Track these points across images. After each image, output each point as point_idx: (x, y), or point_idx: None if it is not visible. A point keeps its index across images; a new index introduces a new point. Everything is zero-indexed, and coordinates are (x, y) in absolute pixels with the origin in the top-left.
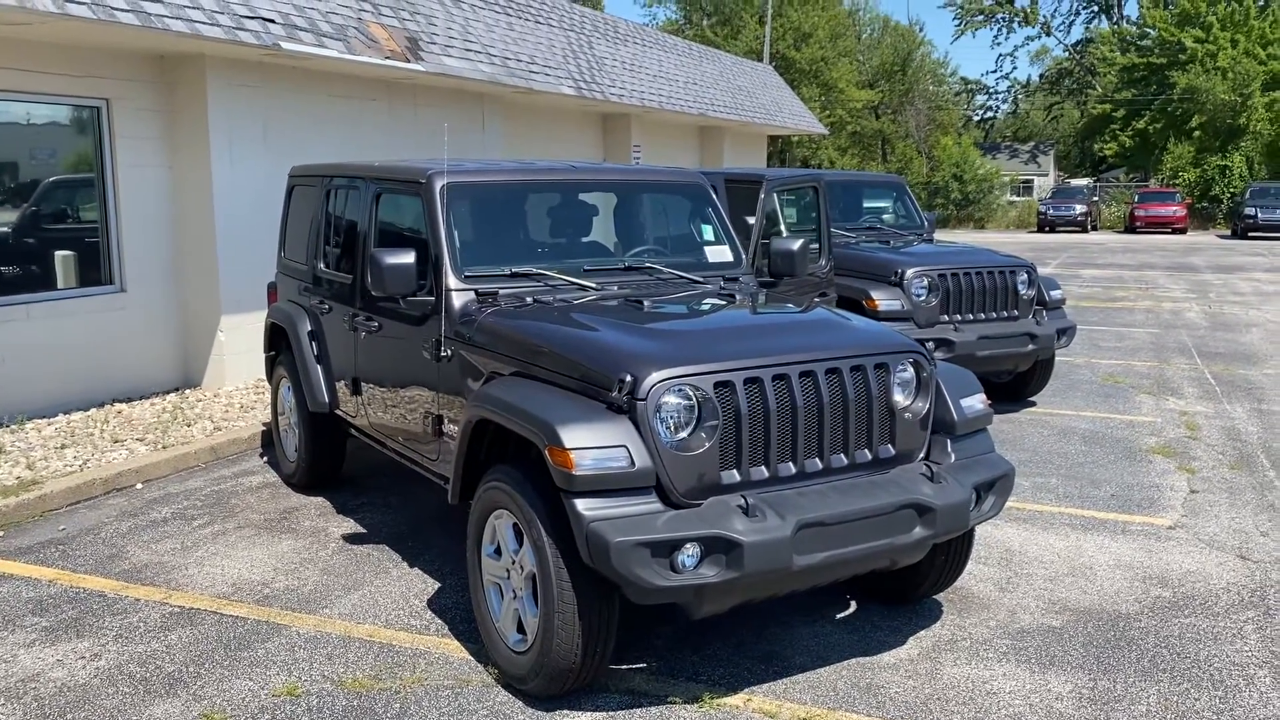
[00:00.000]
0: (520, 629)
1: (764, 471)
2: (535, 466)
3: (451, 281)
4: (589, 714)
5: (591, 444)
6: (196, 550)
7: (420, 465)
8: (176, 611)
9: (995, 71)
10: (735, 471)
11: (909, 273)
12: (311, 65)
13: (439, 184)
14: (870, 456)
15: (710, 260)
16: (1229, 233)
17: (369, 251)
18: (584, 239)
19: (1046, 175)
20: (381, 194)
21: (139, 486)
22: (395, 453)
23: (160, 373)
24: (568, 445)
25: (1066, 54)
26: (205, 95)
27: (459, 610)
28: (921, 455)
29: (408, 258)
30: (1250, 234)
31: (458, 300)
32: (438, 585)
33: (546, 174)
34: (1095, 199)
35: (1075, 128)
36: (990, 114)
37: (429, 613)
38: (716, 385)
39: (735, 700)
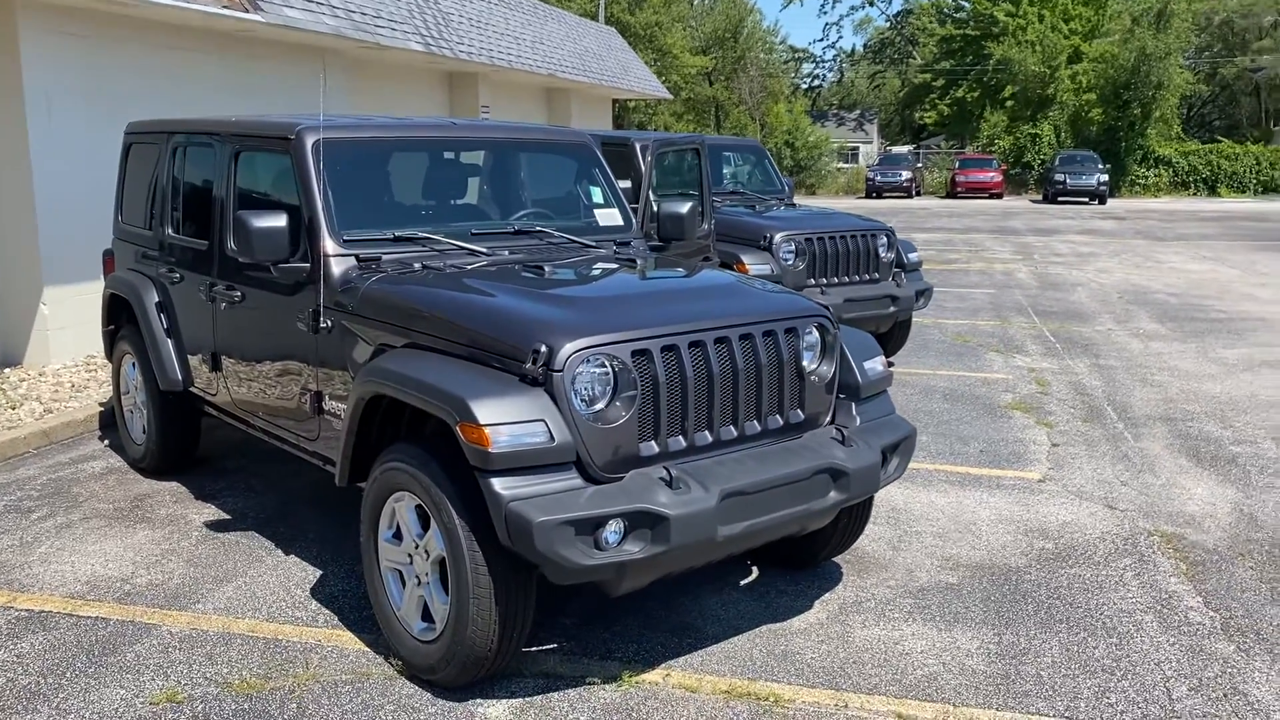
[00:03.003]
0: (426, 616)
1: (681, 441)
2: (439, 444)
3: (329, 246)
4: (505, 701)
5: (507, 419)
6: (39, 546)
7: (294, 446)
8: (24, 616)
9: (822, 40)
10: (653, 442)
11: (777, 237)
12: (142, 13)
13: (311, 140)
14: (782, 422)
15: (601, 224)
16: (1040, 197)
17: (233, 215)
18: (469, 201)
19: (871, 142)
20: (241, 152)
21: None
22: (263, 432)
23: None
24: (482, 421)
25: (889, 24)
26: (17, 42)
27: (347, 598)
28: (828, 419)
29: (279, 221)
30: (1060, 198)
31: (337, 267)
32: (319, 572)
33: (428, 131)
34: (919, 165)
35: (897, 96)
36: (817, 82)
37: (314, 602)
38: (634, 354)
39: (654, 676)
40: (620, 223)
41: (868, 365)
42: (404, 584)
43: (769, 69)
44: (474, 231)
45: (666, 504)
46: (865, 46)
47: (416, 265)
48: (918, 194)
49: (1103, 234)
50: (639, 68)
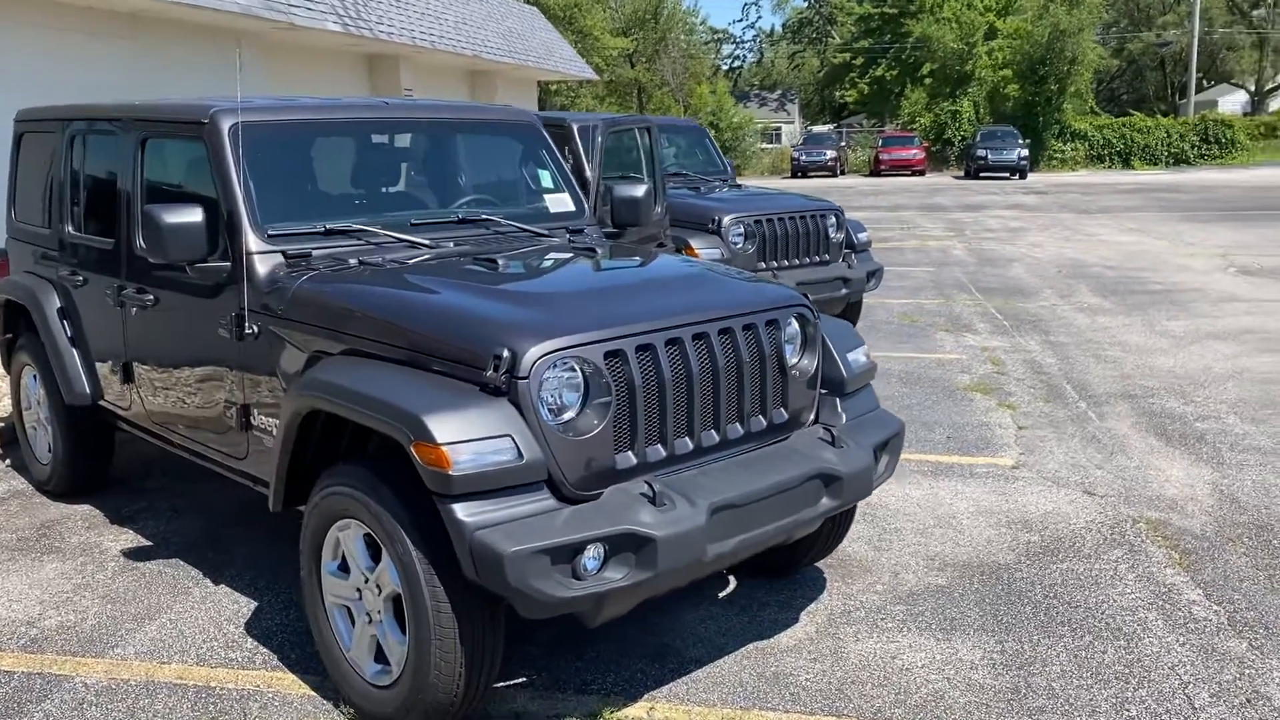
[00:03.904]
0: (380, 658)
1: (661, 451)
2: (389, 464)
3: (252, 243)
4: None
5: (469, 435)
6: None
7: (220, 464)
8: None
9: (741, 20)
10: (630, 453)
11: (726, 220)
12: None
13: (227, 124)
14: (765, 423)
15: (551, 210)
16: (963, 173)
17: (141, 210)
18: (406, 188)
19: (793, 122)
20: (149, 139)
21: None
22: (184, 450)
23: None
24: (440, 440)
25: (807, 4)
26: None
27: (287, 634)
28: (811, 417)
29: (194, 215)
30: (982, 174)
31: (262, 265)
32: (254, 604)
33: (358, 112)
34: (843, 144)
35: (816, 76)
36: (738, 63)
37: (250, 641)
38: (607, 356)
39: (637, 711)
40: (572, 208)
41: (851, 357)
42: (353, 622)
43: (690, 50)
44: (414, 222)
45: (651, 524)
46: (784, 26)
47: (352, 261)
48: (842, 173)
49: (1028, 208)
50: (564, 49)
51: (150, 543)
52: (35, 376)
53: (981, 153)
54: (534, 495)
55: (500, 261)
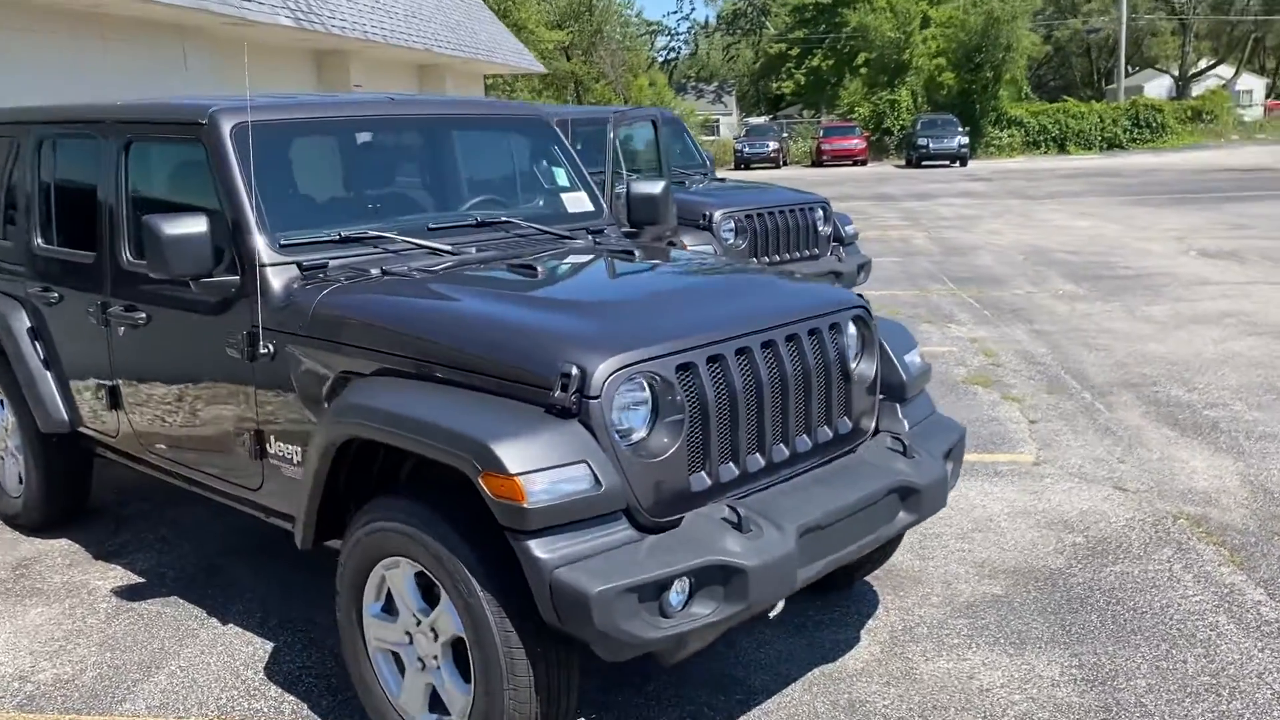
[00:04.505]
0: (435, 705)
1: (734, 469)
2: (445, 497)
3: (265, 253)
4: None
5: (542, 464)
6: None
7: (228, 496)
8: None
9: (675, 13)
10: (704, 474)
11: (717, 215)
12: None
13: (228, 125)
14: (831, 434)
15: (570, 211)
16: (904, 162)
17: (127, 220)
18: (421, 189)
19: (731, 115)
20: (134, 142)
21: None
22: (183, 480)
23: None
24: (513, 470)
25: None
26: None
27: (313, 678)
28: (872, 425)
29: (198, 225)
30: (924, 163)
31: (276, 279)
32: (269, 645)
33: (366, 109)
34: (785, 136)
35: (751, 68)
36: (673, 55)
37: (273, 688)
38: (678, 369)
39: None
40: (590, 208)
41: (908, 359)
42: (401, 669)
43: (626, 43)
44: (431, 226)
45: (741, 554)
46: (718, 18)
47: (374, 271)
48: (785, 164)
49: (977, 195)
50: (510, 41)
51: (143, 579)
52: (2, 402)
53: (922, 141)
54: (613, 526)
55: (539, 268)
